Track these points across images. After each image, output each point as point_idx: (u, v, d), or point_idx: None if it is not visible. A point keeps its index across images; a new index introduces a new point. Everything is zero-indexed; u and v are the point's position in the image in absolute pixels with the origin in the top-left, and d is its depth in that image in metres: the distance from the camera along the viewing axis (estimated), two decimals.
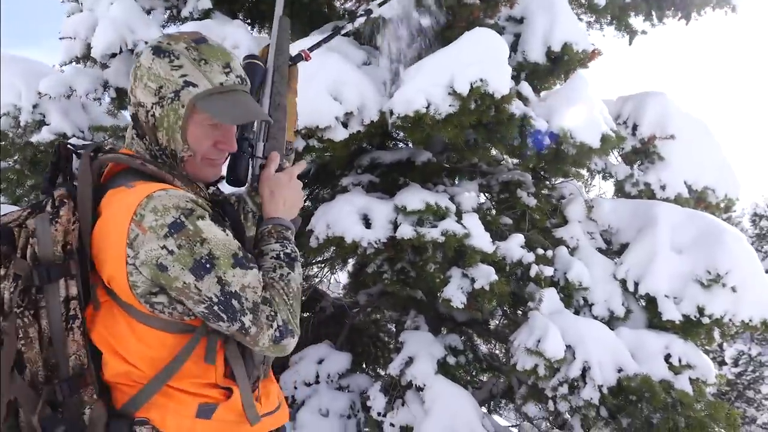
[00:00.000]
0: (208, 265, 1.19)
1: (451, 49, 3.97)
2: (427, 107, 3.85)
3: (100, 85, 4.73)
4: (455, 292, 4.29)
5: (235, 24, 4.59)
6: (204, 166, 1.37)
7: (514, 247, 4.62)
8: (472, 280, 4.32)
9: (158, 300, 1.24)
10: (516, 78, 4.59)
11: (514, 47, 4.63)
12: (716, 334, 5.26)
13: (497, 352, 6.62)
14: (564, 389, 4.46)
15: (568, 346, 4.46)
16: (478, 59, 3.91)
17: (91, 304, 1.29)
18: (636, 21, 5.77)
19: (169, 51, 1.28)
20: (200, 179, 1.40)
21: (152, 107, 1.29)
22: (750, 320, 4.90)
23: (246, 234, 1.46)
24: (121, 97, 4.87)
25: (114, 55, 4.52)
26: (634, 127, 5.39)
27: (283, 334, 1.24)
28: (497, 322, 6.14)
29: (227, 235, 1.26)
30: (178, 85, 1.27)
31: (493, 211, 5.04)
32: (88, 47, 4.61)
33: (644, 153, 5.39)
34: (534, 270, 4.60)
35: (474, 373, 6.22)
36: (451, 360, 4.67)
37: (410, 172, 4.78)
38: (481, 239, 4.31)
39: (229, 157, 1.46)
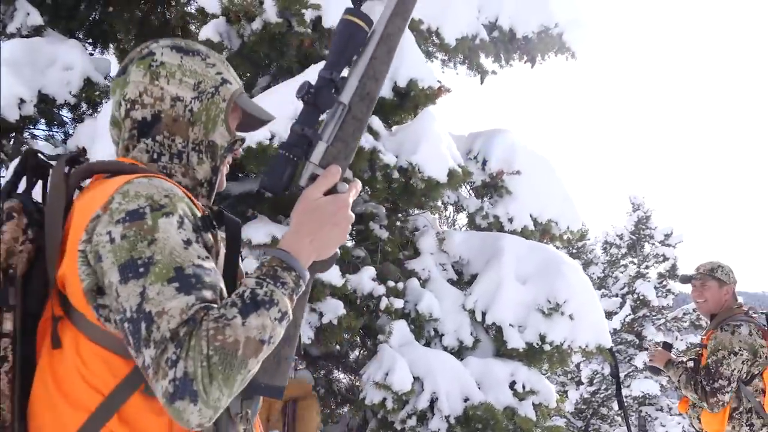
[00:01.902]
0: (141, 269, 0.94)
1: (296, 83, 3.94)
2: (271, 139, 3.78)
3: None
4: (303, 327, 4.20)
5: (70, 44, 4.28)
6: (225, 165, 1.29)
7: (366, 279, 4.62)
8: (320, 315, 4.26)
9: (104, 302, 1.01)
10: None
11: None
12: (576, 356, 5.56)
13: (358, 384, 6.58)
14: (413, 421, 4.50)
15: (417, 378, 4.51)
16: None
17: (48, 345, 1.06)
18: (486, 62, 6.09)
19: (196, 50, 1.24)
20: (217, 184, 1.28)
21: (191, 101, 1.20)
22: (587, 345, 5.24)
23: (237, 268, 1.13)
24: None
25: None
26: (484, 162, 5.63)
27: (178, 392, 0.87)
28: (357, 355, 6.11)
29: (188, 247, 0.98)
30: (217, 81, 1.22)
31: (347, 243, 5.03)
32: None
33: (493, 187, 5.64)
34: (384, 302, 4.62)
35: (333, 407, 6.13)
36: None
37: (259, 204, 4.68)
38: (329, 273, 4.26)
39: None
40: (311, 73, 4.02)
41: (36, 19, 4.33)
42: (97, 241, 0.98)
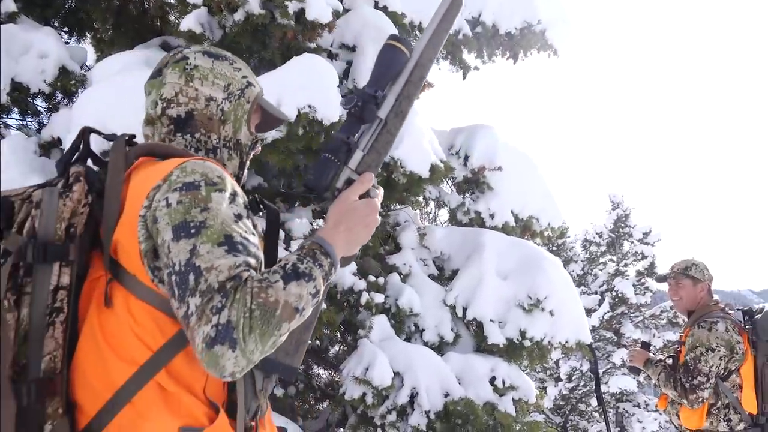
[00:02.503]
0: (193, 230, 1.03)
1: (277, 74, 3.88)
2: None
3: None
4: None
5: (45, 31, 4.18)
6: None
7: (346, 274, 4.58)
8: None
9: (158, 265, 1.09)
10: None
11: (346, 74, 4.65)
12: (556, 352, 5.59)
13: (337, 380, 6.55)
14: (393, 416, 4.47)
15: (397, 373, 4.49)
16: (306, 85, 3.85)
17: (97, 303, 1.14)
18: (469, 57, 6.08)
19: (224, 56, 1.38)
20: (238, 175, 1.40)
21: (222, 102, 1.33)
22: (566, 341, 5.25)
23: (277, 252, 1.25)
24: None
25: None
26: (466, 158, 5.62)
27: (219, 336, 0.94)
28: (337, 350, 6.08)
29: (238, 221, 1.08)
30: (243, 84, 1.36)
31: None
32: None
33: (475, 183, 5.63)
34: (365, 297, 4.59)
35: (312, 402, 6.09)
36: (278, 391, 4.51)
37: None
38: None
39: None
40: (293, 65, 3.97)
41: (9, 5, 4.22)
42: (155, 206, 1.08)
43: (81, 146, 1.27)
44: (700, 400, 3.09)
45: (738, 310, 3.38)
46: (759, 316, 3.25)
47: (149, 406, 1.07)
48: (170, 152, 1.23)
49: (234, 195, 1.13)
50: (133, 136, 1.28)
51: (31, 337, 1.07)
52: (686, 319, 3.46)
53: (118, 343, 1.09)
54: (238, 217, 1.09)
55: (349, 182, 1.22)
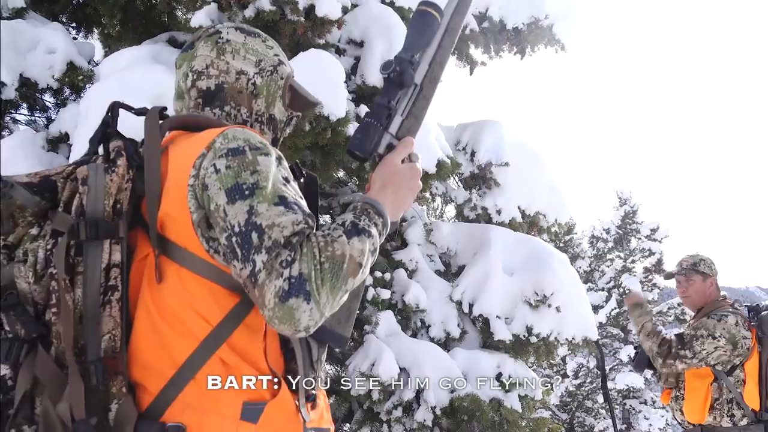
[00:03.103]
0: (246, 192, 1.01)
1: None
2: None
3: None
4: None
5: (53, 26, 4.19)
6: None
7: None
8: None
9: (213, 235, 1.07)
10: (356, 101, 4.59)
11: (354, 70, 4.64)
12: (563, 349, 5.58)
13: (343, 375, 6.56)
14: (398, 412, 4.48)
15: (403, 369, 4.49)
16: (312, 81, 3.84)
17: (149, 280, 1.11)
18: (476, 53, 6.06)
19: (256, 32, 1.38)
20: None
21: (254, 76, 1.32)
22: (573, 338, 5.24)
23: (319, 216, 1.23)
24: None
25: None
26: (473, 154, 5.61)
27: (293, 289, 0.92)
28: None
29: (287, 184, 1.07)
30: (275, 61, 1.35)
31: None
32: None
33: (482, 179, 5.62)
34: (371, 293, 4.59)
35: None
36: None
37: None
38: None
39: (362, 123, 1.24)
40: (300, 61, 3.96)
41: (18, 1, 4.23)
42: (203, 174, 1.06)
43: (111, 121, 1.23)
44: (673, 369, 3.14)
45: (745, 306, 3.37)
46: (765, 312, 3.24)
47: (211, 389, 1.06)
48: (206, 123, 1.22)
49: (280, 158, 1.12)
50: (165, 108, 1.24)
51: (88, 316, 1.05)
52: (693, 315, 3.45)
53: (175, 319, 1.07)
54: (286, 180, 1.09)
55: (390, 147, 1.21)
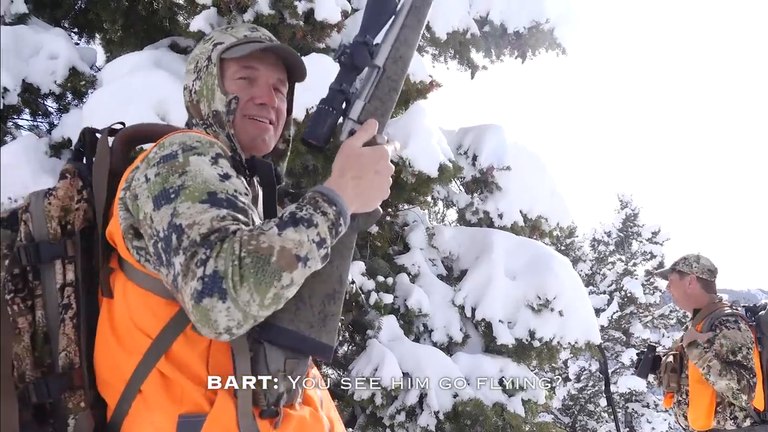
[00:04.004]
0: (172, 195, 0.97)
1: None
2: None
3: None
4: None
5: (55, 32, 4.20)
6: (247, 124, 1.25)
7: (355, 274, 4.58)
8: None
9: (140, 245, 1.04)
10: None
11: None
12: (565, 352, 5.57)
13: (346, 380, 6.54)
14: (401, 417, 4.47)
15: (406, 374, 4.48)
16: (312, 85, 3.84)
17: (103, 293, 1.12)
18: (477, 56, 6.06)
19: (218, 30, 1.33)
20: (248, 144, 1.26)
21: (193, 84, 1.28)
22: (576, 342, 5.24)
23: (276, 207, 1.15)
24: None
25: None
26: (474, 158, 5.60)
27: (206, 288, 0.86)
28: (345, 350, 6.08)
29: (224, 180, 1.00)
30: (208, 51, 1.27)
31: None
32: None
33: (483, 183, 5.61)
34: (374, 297, 4.59)
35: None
36: None
37: None
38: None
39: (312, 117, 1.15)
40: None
41: (20, 6, 4.24)
42: (135, 185, 1.04)
43: (83, 148, 1.24)
44: (753, 397, 3.04)
45: (742, 307, 3.35)
46: (763, 312, 3.22)
47: (153, 396, 1.03)
48: (158, 131, 1.20)
49: (217, 157, 1.05)
50: (120, 126, 1.24)
51: (51, 337, 1.08)
52: (690, 316, 3.43)
53: (122, 333, 1.06)
54: (225, 176, 1.01)
55: (353, 133, 1.12)
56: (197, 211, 0.93)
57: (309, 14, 4.02)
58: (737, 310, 3.26)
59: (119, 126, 1.24)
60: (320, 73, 3.98)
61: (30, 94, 4.14)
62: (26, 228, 1.12)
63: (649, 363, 3.53)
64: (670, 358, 3.36)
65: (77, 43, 5.08)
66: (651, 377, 3.67)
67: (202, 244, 0.89)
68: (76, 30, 5.12)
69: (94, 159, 1.19)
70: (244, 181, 1.08)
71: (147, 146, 1.23)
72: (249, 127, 1.25)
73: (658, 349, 3.58)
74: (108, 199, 1.14)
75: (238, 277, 0.87)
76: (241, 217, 0.95)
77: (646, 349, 3.60)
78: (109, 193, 1.14)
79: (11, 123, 4.58)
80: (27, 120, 4.78)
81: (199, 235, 0.90)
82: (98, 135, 1.24)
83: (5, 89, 3.94)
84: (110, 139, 1.22)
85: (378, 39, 1.16)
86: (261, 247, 0.89)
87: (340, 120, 1.14)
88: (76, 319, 1.09)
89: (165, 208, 0.96)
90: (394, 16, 1.17)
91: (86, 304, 1.11)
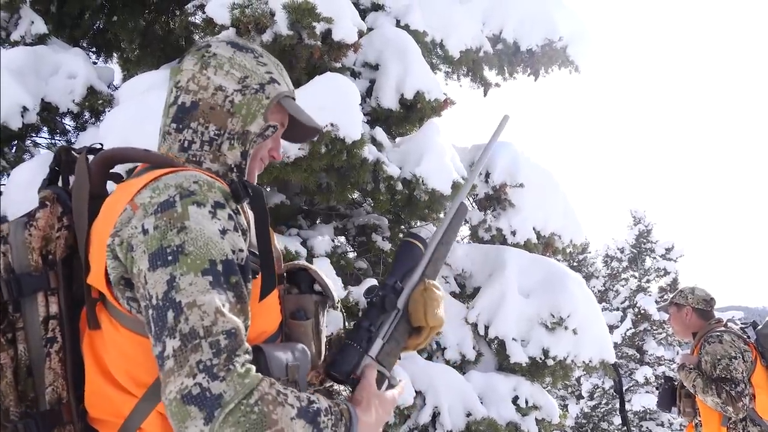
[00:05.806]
0: (170, 257, 0.94)
1: (301, 93, 3.91)
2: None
3: None
4: None
5: (74, 52, 4.27)
6: (254, 166, 1.30)
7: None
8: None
9: (132, 296, 1.01)
10: (371, 123, 4.62)
11: (369, 93, 4.68)
12: (579, 370, 5.53)
13: None
14: None
15: (419, 392, 4.46)
16: (329, 104, 3.88)
17: (89, 325, 1.08)
18: (490, 74, 6.09)
19: (250, 48, 1.30)
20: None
21: (233, 93, 1.23)
22: (590, 360, 5.19)
23: (271, 245, 1.13)
24: None
25: None
26: (487, 175, 5.60)
27: (201, 400, 0.85)
28: None
29: (225, 238, 0.99)
30: (264, 79, 1.26)
31: (350, 255, 4.99)
32: None
33: (496, 200, 5.60)
34: None
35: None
36: None
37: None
38: (331, 286, 4.22)
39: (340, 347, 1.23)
40: (316, 84, 4.00)
41: (40, 27, 4.32)
42: (130, 234, 0.99)
43: (58, 167, 1.21)
44: (745, 408, 3.05)
45: (742, 325, 3.41)
46: (761, 327, 3.31)
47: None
48: (136, 157, 1.17)
49: (216, 206, 1.02)
50: (99, 148, 1.21)
51: (34, 370, 1.05)
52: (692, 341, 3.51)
53: (115, 371, 1.04)
54: (223, 232, 1.00)
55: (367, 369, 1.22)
56: (198, 290, 0.92)
57: (327, 35, 4.05)
58: (730, 327, 3.34)
59: (98, 146, 1.21)
60: (336, 91, 4.03)
61: (48, 112, 4.20)
62: (5, 260, 1.08)
63: (668, 394, 3.59)
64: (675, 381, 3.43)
65: (95, 62, 5.17)
66: (674, 408, 3.70)
67: (212, 347, 0.89)
68: (94, 49, 5.21)
69: (71, 179, 1.16)
70: (242, 220, 1.07)
71: (126, 166, 1.23)
72: (254, 170, 1.30)
73: (675, 379, 3.62)
74: (89, 223, 1.10)
75: (234, 419, 0.86)
76: (239, 324, 0.94)
77: (663, 380, 3.66)
78: (89, 217, 1.11)
79: (29, 141, 4.65)
80: (45, 138, 4.86)
81: (202, 328, 0.90)
82: (75, 154, 1.20)
83: (24, 108, 4.01)
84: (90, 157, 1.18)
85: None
86: (271, 418, 0.88)
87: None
88: (62, 353, 1.07)
89: (161, 271, 0.94)
90: (418, 260, 1.32)
91: (70, 336, 1.09)
